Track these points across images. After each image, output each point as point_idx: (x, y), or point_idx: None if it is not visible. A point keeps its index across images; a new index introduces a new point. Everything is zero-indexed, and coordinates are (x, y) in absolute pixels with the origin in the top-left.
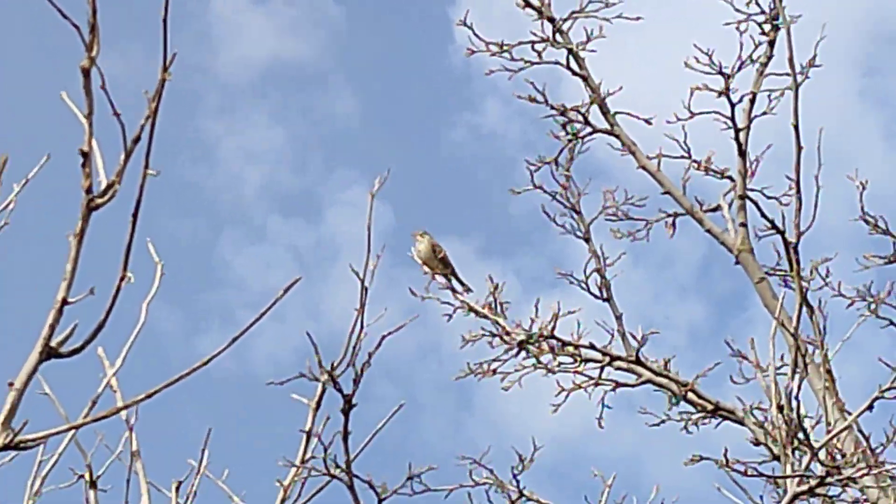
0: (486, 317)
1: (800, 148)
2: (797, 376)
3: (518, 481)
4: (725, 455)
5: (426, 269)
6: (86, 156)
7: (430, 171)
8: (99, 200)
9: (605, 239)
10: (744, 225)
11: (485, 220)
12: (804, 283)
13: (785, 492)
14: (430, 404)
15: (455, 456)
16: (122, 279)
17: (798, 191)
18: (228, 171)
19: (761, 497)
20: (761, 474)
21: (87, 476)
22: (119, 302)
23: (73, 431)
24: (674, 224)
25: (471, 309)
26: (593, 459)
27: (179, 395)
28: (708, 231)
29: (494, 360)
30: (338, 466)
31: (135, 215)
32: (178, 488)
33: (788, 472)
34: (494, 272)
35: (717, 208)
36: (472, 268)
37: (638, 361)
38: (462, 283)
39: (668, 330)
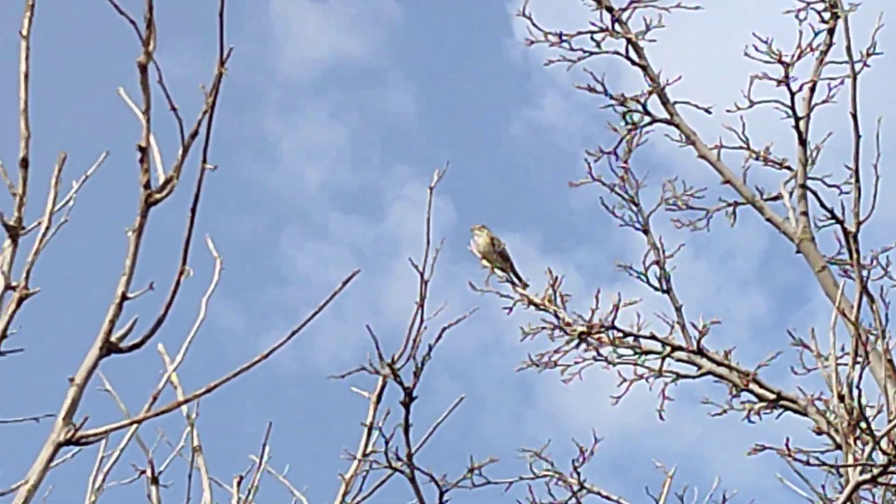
0: (545, 309)
1: (858, 137)
2: (858, 365)
3: (578, 474)
4: (787, 445)
5: (485, 262)
6: (143, 151)
7: (489, 166)
8: (157, 196)
9: (665, 231)
10: (805, 214)
11: (545, 216)
12: (864, 273)
13: (847, 481)
14: (490, 398)
15: (516, 449)
16: (181, 273)
17: (857, 180)
18: (289, 168)
19: (823, 487)
20: (823, 464)
21: (148, 472)
22: (179, 298)
23: (134, 426)
24: (734, 213)
25: (531, 302)
26: (654, 452)
27: (240, 392)
28: (769, 220)
29: (555, 352)
30: (399, 459)
31: (193, 210)
32: (239, 483)
33: (850, 461)
34: (555, 267)
35: (778, 197)
36: (533, 264)
37: (699, 351)
38: (520, 279)
39: (729, 323)
